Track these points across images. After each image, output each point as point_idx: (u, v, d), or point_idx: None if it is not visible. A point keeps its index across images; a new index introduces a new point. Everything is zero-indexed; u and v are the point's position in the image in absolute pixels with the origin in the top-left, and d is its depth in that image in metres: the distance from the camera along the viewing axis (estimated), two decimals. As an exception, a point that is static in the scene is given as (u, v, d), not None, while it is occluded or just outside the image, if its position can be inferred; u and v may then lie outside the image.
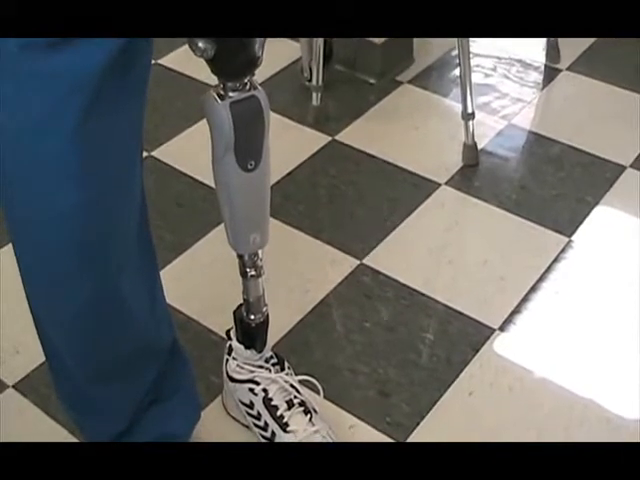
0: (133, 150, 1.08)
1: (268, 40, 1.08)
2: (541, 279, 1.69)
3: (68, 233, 1.03)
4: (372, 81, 2.25)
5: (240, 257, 1.28)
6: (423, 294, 1.67)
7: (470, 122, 1.97)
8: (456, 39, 1.92)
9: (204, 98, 1.12)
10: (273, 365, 1.40)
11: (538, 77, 2.28)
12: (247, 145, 1.13)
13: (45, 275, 1.08)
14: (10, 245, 1.08)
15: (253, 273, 1.29)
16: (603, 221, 1.83)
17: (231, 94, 1.10)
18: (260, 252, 1.28)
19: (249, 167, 1.15)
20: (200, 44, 1.03)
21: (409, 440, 1.42)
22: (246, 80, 1.11)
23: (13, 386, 1.53)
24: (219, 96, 1.10)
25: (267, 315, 1.35)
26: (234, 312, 1.36)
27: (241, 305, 1.35)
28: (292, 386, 1.39)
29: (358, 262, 1.75)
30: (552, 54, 2.32)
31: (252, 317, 1.34)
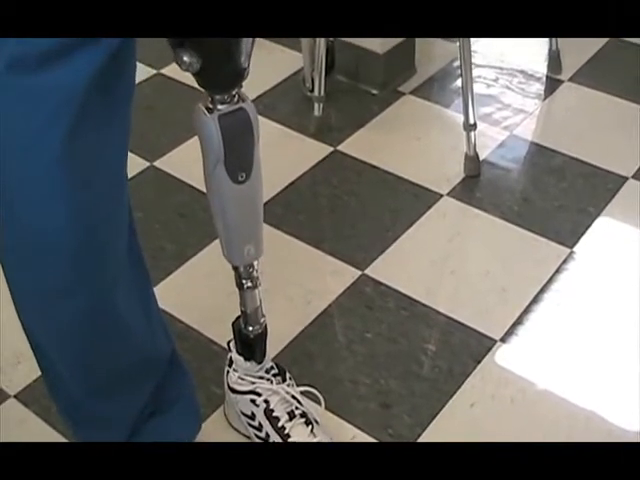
0: (120, 165, 1.09)
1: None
2: (543, 290, 1.69)
3: (58, 251, 1.03)
4: (374, 92, 2.26)
5: (235, 269, 1.28)
6: (425, 305, 1.67)
7: (472, 133, 1.97)
8: (458, 49, 1.92)
9: (193, 111, 1.12)
10: (274, 376, 1.39)
11: (540, 88, 2.28)
12: (237, 157, 1.13)
13: (37, 293, 1.08)
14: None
15: (249, 285, 1.29)
16: (605, 232, 1.83)
17: (219, 107, 1.10)
18: (255, 263, 1.28)
19: (240, 179, 1.15)
20: (185, 58, 1.03)
21: (410, 451, 1.42)
22: (234, 92, 1.11)
23: (14, 396, 1.53)
24: (207, 109, 1.11)
25: (265, 326, 1.35)
26: (233, 324, 1.36)
27: (239, 317, 1.35)
28: (293, 397, 1.38)
29: (360, 273, 1.75)
30: (554, 65, 2.33)
31: (250, 329, 1.34)
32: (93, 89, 0.95)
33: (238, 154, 1.13)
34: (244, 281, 1.28)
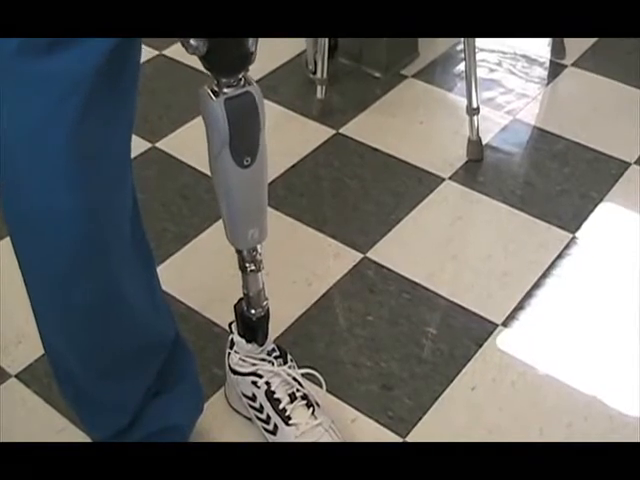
0: (125, 149, 1.09)
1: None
2: (544, 275, 1.69)
3: (66, 235, 1.03)
4: (377, 74, 2.25)
5: (239, 252, 1.28)
6: (426, 288, 1.67)
7: (475, 117, 1.96)
8: (462, 33, 1.91)
9: (199, 94, 1.11)
10: (275, 358, 1.39)
11: (543, 72, 2.27)
12: (242, 141, 1.13)
13: (44, 275, 1.08)
14: (13, 235, 1.08)
15: (253, 268, 1.29)
16: (607, 217, 1.83)
17: (225, 90, 1.10)
18: (259, 247, 1.27)
19: (245, 163, 1.14)
20: (192, 41, 1.02)
21: (411, 434, 1.42)
22: (240, 76, 1.10)
23: (16, 375, 1.53)
24: (213, 93, 1.10)
25: (268, 309, 1.35)
26: (235, 306, 1.36)
27: (242, 299, 1.35)
28: (294, 379, 1.38)
29: (362, 256, 1.74)
30: (557, 50, 2.32)
31: (252, 311, 1.34)
32: (101, 74, 0.95)
33: (244, 138, 1.12)
34: (247, 264, 1.28)
